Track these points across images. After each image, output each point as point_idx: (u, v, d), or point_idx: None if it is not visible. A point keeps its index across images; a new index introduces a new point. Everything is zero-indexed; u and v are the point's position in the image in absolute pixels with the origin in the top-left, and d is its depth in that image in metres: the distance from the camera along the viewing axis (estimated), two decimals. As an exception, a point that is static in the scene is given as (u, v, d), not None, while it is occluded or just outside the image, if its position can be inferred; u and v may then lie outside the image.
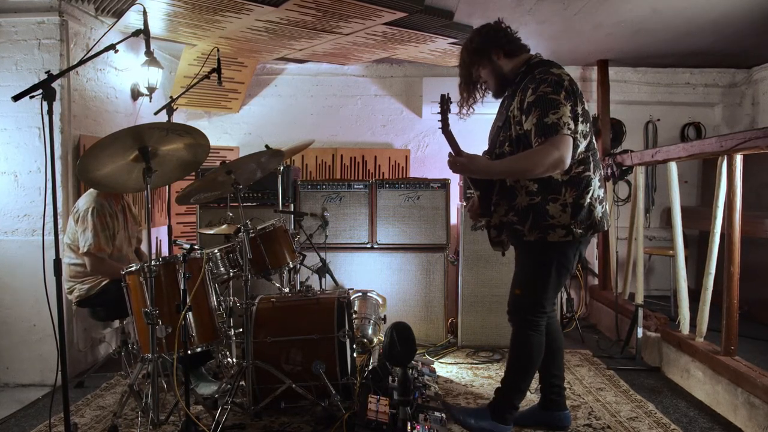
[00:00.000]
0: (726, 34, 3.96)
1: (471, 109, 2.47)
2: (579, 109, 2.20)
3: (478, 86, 2.46)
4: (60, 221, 2.88)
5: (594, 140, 2.33)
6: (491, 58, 2.36)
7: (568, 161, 2.14)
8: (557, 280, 2.35)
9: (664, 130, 5.20)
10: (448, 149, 2.35)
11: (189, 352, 2.42)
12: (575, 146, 2.18)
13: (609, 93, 4.73)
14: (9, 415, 2.81)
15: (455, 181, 4.17)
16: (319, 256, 3.56)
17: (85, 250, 2.88)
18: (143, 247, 3.42)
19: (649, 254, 4.60)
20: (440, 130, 2.29)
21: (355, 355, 2.98)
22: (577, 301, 4.79)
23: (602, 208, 2.32)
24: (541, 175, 2.17)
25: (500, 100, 2.51)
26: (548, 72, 2.22)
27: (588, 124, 2.27)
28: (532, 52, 2.44)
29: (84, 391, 3.07)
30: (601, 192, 2.32)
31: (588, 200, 2.25)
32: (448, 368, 3.48)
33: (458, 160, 2.26)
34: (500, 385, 2.54)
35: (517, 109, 2.25)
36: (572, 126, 2.15)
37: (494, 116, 2.51)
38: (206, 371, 3.09)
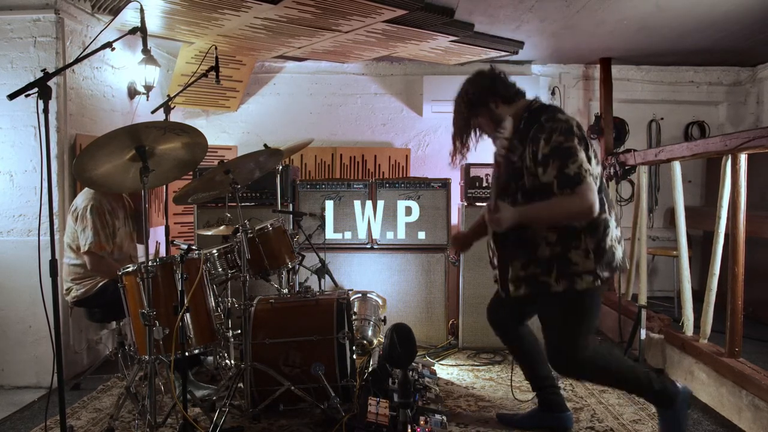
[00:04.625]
0: (731, 32, 3.92)
1: (464, 159, 2.41)
2: (591, 152, 2.17)
3: (473, 134, 2.37)
4: (56, 221, 2.86)
5: (603, 179, 2.27)
6: (489, 107, 2.29)
7: (597, 207, 2.08)
8: (591, 326, 2.27)
9: (667, 129, 5.17)
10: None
11: (186, 353, 2.39)
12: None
13: (612, 91, 4.70)
14: (4, 417, 2.78)
15: (456, 180, 4.14)
16: (318, 256, 3.53)
17: (86, 248, 2.86)
18: (141, 247, 3.38)
19: (653, 255, 4.57)
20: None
21: (354, 356, 2.95)
22: (578, 302, 4.76)
23: (621, 247, 2.26)
24: (571, 222, 2.13)
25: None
26: (556, 119, 2.15)
27: (598, 164, 2.23)
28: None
29: (80, 393, 3.04)
30: (618, 231, 2.26)
31: (609, 242, 2.19)
32: (449, 370, 3.45)
33: (496, 217, 2.15)
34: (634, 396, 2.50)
35: (530, 160, 2.17)
36: (591, 171, 2.11)
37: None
38: (203, 373, 3.07)
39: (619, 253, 2.22)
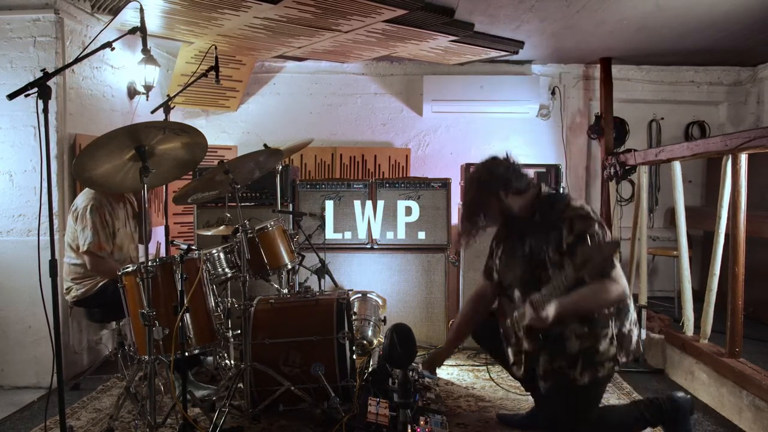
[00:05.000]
0: (731, 32, 3.92)
1: (474, 240, 2.38)
2: (608, 234, 2.18)
3: (481, 219, 2.34)
4: (56, 221, 2.86)
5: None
6: (499, 196, 2.26)
7: (629, 292, 2.12)
8: (599, 402, 2.27)
9: (667, 129, 5.16)
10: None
11: (186, 354, 2.39)
12: None
13: (612, 91, 4.70)
14: (4, 417, 2.78)
15: (456, 180, 4.14)
16: (318, 256, 3.52)
17: (85, 248, 2.86)
18: (141, 248, 3.38)
19: (653, 255, 4.56)
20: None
21: (354, 356, 2.94)
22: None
23: (637, 329, 2.26)
24: (606, 308, 2.13)
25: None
26: (571, 207, 2.17)
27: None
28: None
29: (80, 394, 3.04)
30: (635, 314, 2.28)
31: (629, 327, 2.20)
32: (449, 370, 3.45)
33: (543, 316, 2.06)
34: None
35: (554, 251, 2.17)
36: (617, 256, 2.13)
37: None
38: (203, 373, 3.06)
39: (635, 336, 2.22)
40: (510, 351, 2.34)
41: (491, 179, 2.26)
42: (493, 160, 2.32)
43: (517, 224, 2.31)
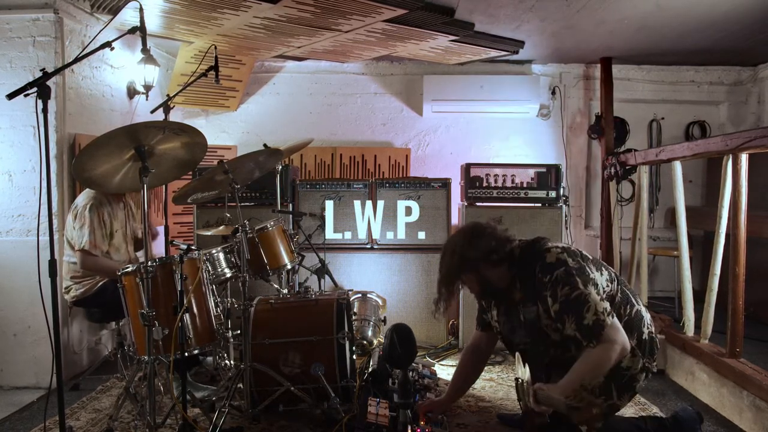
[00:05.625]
0: (731, 32, 3.91)
1: (448, 306, 2.33)
2: (593, 272, 2.15)
3: (458, 287, 2.33)
4: (55, 221, 2.86)
5: (618, 279, 2.26)
6: (479, 269, 2.24)
7: (628, 343, 2.09)
8: None
9: (668, 129, 5.16)
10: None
11: (186, 354, 2.39)
12: (612, 299, 2.16)
13: (612, 91, 4.69)
14: (3, 418, 2.78)
15: (456, 180, 4.13)
16: (318, 256, 3.52)
17: (80, 246, 2.88)
18: (140, 253, 3.37)
19: (653, 255, 4.56)
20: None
21: (354, 357, 2.94)
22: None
23: (654, 329, 2.27)
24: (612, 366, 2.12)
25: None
26: (548, 267, 2.14)
27: (605, 270, 2.22)
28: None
29: (79, 394, 3.03)
30: (648, 316, 2.28)
31: (646, 331, 2.22)
32: (449, 370, 3.44)
33: (544, 409, 2.04)
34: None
35: (547, 318, 2.17)
36: (608, 306, 2.10)
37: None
38: (203, 374, 3.05)
39: (654, 336, 2.24)
40: (520, 404, 2.35)
41: (471, 253, 2.22)
42: (474, 230, 2.28)
43: (499, 294, 2.30)
